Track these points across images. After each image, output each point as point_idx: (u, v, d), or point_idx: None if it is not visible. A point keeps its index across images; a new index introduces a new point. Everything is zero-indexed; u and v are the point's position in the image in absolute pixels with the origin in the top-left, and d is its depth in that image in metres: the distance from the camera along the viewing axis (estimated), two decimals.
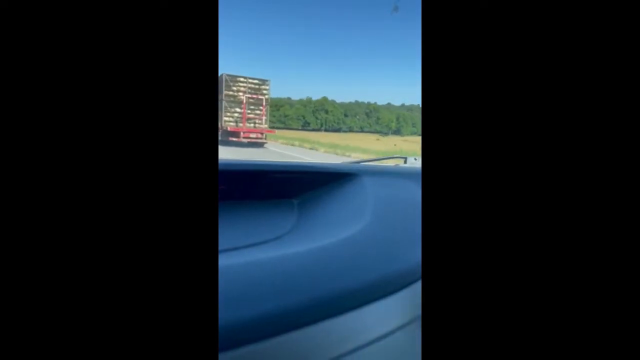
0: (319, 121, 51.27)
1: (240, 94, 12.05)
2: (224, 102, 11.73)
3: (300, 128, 48.79)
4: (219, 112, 12.02)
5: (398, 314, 0.37)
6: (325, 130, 49.46)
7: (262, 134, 12.15)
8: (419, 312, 0.38)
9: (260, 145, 11.98)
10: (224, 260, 0.33)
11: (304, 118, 50.62)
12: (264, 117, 12.50)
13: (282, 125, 47.20)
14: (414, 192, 0.61)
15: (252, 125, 12.16)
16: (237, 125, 11.84)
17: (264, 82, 12.61)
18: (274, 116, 46.08)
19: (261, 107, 12.45)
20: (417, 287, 0.40)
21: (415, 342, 0.35)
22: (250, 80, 12.26)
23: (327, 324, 0.32)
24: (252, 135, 11.79)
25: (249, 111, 11.99)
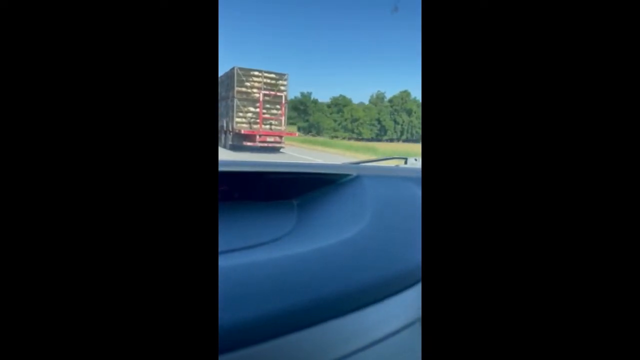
0: (399, 127, 40.58)
1: (255, 90, 12.01)
2: (235, 101, 11.73)
3: (374, 137, 38.09)
4: (231, 113, 11.84)
5: (398, 316, 0.42)
6: (405, 140, 39.10)
7: (280, 137, 12.18)
8: (419, 313, 0.42)
9: (276, 150, 11.93)
10: (223, 262, 0.38)
11: (379, 122, 40.12)
12: (282, 118, 12.42)
13: (347, 134, 37.08)
14: (414, 193, 0.68)
15: (268, 127, 12.15)
16: (251, 128, 11.82)
17: (281, 76, 12.61)
18: (335, 120, 37.95)
19: (279, 106, 12.31)
20: (417, 288, 0.45)
21: (415, 344, 0.39)
22: (266, 75, 12.22)
23: (327, 326, 0.37)
24: (269, 139, 11.79)
25: (264, 111, 11.99)
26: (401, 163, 1.27)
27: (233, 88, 11.83)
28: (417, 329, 0.42)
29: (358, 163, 1.12)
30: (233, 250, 0.47)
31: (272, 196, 0.71)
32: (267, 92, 12.15)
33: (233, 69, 11.95)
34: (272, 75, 12.45)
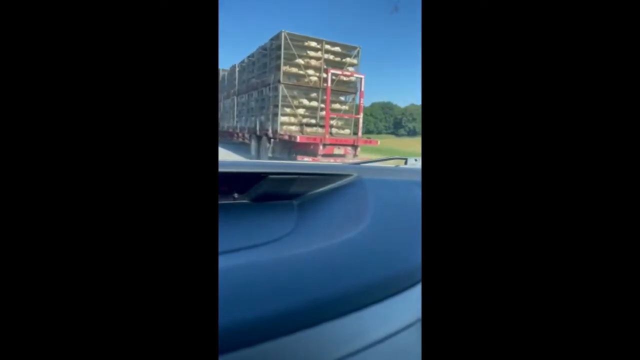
0: None
1: (311, 71, 10.41)
2: (281, 88, 10.17)
3: None
4: (270, 107, 10.72)
5: (398, 317, 0.55)
6: None
7: (354, 146, 10.40)
8: (419, 314, 0.55)
9: None
10: (223, 262, 0.52)
11: None
12: (359, 116, 10.67)
13: None
14: (414, 193, 0.89)
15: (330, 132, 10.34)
16: (302, 131, 10.28)
17: (351, 49, 10.83)
18: None
19: (348, 97, 10.80)
20: (417, 289, 0.59)
21: (415, 345, 0.52)
22: (327, 47, 10.51)
23: (327, 327, 0.50)
24: (337, 152, 10.05)
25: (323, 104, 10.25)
26: (401, 163, 1.62)
27: (278, 68, 10.21)
28: (417, 330, 0.55)
29: (358, 163, 1.45)
30: (233, 251, 0.64)
31: (272, 196, 0.94)
32: (336, 71, 10.30)
33: (280, 34, 10.19)
34: (337, 49, 10.72)
